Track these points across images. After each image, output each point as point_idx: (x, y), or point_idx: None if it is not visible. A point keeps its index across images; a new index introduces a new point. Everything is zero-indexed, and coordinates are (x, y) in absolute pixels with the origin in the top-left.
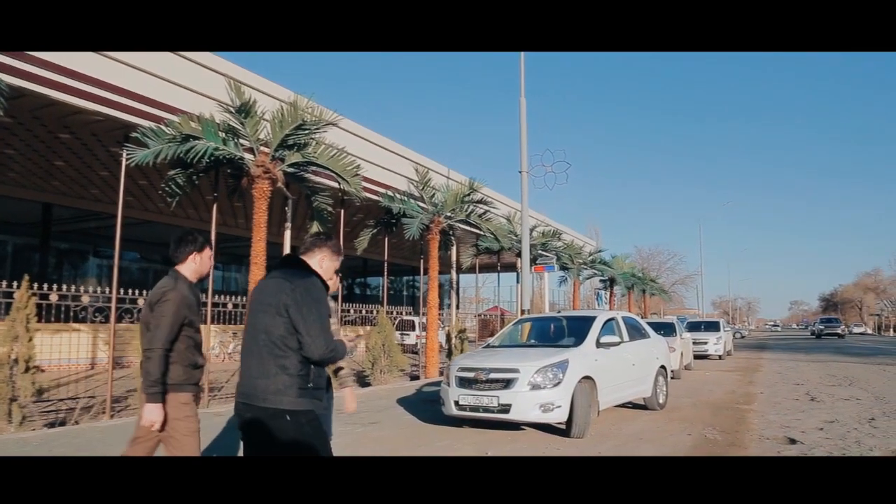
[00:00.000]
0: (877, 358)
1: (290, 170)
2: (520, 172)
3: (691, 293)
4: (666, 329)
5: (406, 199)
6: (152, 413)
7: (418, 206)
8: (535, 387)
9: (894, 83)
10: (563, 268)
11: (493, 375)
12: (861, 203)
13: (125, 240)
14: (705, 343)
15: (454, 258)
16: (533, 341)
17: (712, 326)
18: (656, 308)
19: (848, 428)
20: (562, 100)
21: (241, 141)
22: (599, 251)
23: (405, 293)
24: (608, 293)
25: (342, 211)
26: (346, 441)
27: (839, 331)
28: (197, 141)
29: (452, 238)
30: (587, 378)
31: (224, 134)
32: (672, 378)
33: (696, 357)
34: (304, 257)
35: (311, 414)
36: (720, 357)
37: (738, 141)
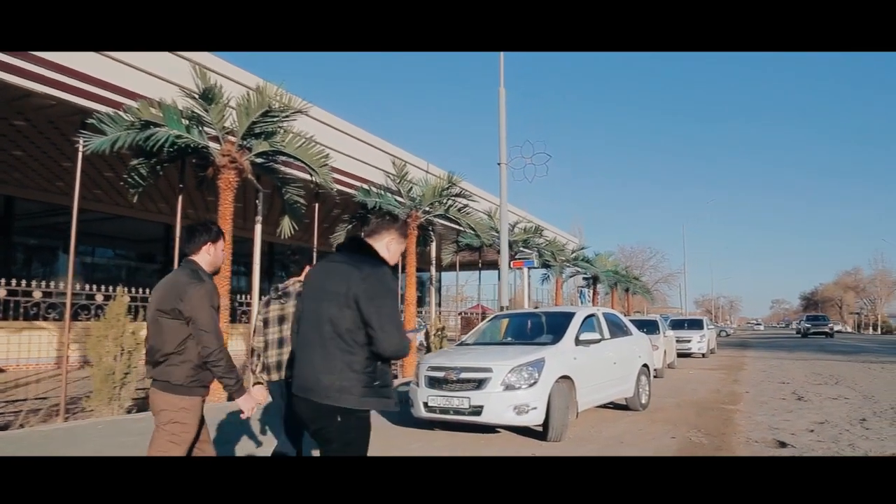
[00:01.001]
0: (860, 356)
1: (259, 160)
2: (499, 164)
3: (674, 291)
4: (649, 327)
5: (383, 192)
6: (248, 402)
7: (395, 200)
8: (508, 387)
9: (894, 83)
10: (546, 265)
11: (464, 375)
12: (843, 202)
13: (97, 235)
14: (689, 341)
15: (434, 255)
16: (510, 339)
17: (695, 324)
18: (640, 307)
19: (839, 429)
20: (562, 99)
21: (206, 129)
22: (582, 248)
23: None
24: (591, 291)
25: (317, 205)
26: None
27: (827, 329)
28: (158, 128)
29: (432, 234)
30: (565, 377)
31: (187, 121)
32: (655, 377)
33: (680, 355)
34: (369, 240)
35: (367, 414)
36: (703, 355)
37: (725, 140)
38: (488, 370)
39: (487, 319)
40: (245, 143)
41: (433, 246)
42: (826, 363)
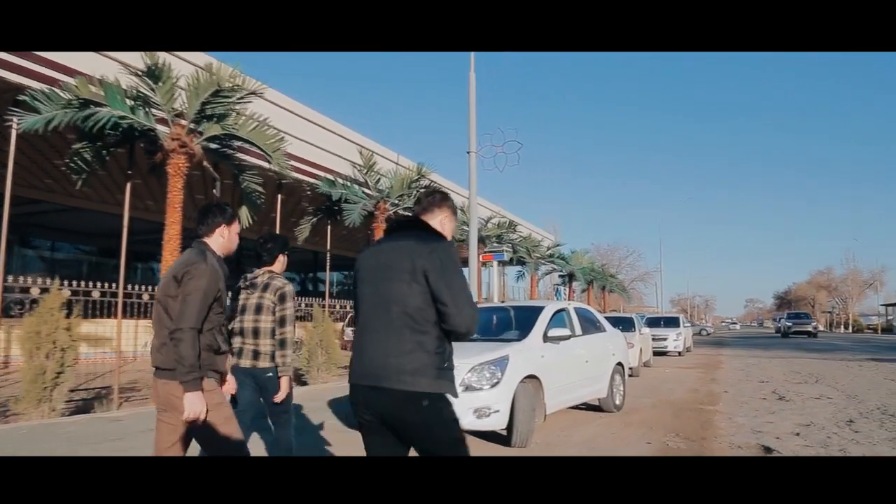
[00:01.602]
0: (836, 354)
1: (213, 145)
2: (467, 153)
3: (650, 290)
4: (624, 324)
5: (349, 184)
6: (194, 403)
7: (363, 191)
8: (468, 388)
9: (893, 83)
10: (521, 262)
11: None
12: (818, 202)
13: (55, 229)
14: (665, 339)
15: None
16: (474, 335)
17: (672, 322)
18: (616, 305)
19: (827, 432)
20: (562, 99)
21: (154, 110)
22: (557, 245)
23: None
24: (567, 289)
25: (280, 197)
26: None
27: (810, 328)
28: (99, 108)
29: None
30: (531, 377)
31: (132, 101)
32: (630, 376)
33: (656, 353)
34: (423, 218)
35: (447, 398)
36: (680, 354)
37: (712, 141)
38: None
39: None
40: (196, 126)
41: None
42: (803, 361)
